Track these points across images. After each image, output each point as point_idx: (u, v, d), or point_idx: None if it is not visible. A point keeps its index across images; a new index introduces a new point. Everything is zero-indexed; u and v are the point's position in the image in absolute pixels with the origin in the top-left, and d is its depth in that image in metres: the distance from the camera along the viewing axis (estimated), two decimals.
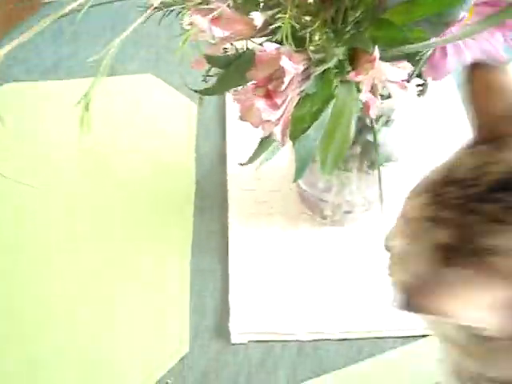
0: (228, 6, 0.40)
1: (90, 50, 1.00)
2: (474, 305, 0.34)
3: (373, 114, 0.41)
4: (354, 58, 0.43)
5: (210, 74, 0.48)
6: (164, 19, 0.52)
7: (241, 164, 0.58)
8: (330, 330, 0.72)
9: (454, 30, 0.50)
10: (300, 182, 0.79)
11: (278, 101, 0.40)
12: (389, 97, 0.50)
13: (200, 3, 0.39)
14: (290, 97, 0.41)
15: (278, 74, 0.40)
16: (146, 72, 0.97)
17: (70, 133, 0.89)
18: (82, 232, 0.81)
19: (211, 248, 0.79)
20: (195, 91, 0.51)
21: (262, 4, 0.42)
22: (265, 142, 0.55)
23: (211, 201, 0.83)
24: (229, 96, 0.89)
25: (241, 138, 0.87)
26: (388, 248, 0.46)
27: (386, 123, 0.67)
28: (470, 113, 0.42)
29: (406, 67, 0.40)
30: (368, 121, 0.66)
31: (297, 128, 0.43)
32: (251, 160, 0.56)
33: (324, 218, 0.81)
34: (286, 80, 0.39)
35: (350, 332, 0.72)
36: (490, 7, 0.52)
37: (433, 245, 0.39)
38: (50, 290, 0.76)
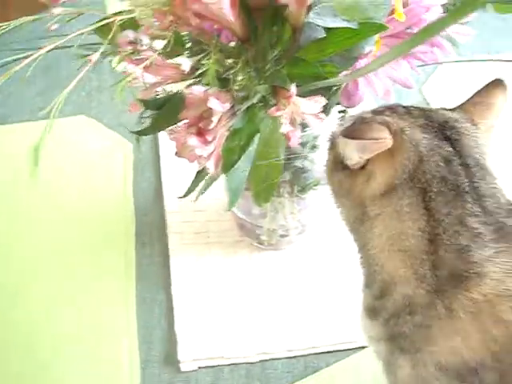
0: (158, 53, 0.43)
1: (23, 94, 1.02)
2: None
3: (294, 143, 0.46)
4: (274, 94, 0.48)
5: (144, 115, 0.51)
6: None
7: (179, 197, 0.61)
8: (275, 350, 0.75)
9: (362, 62, 0.56)
10: (236, 210, 0.83)
11: (209, 137, 0.44)
12: None
13: (132, 53, 0.43)
14: (220, 133, 0.45)
15: (207, 114, 0.44)
16: (79, 114, 0.99)
17: (5, 176, 0.91)
18: (30, 271, 0.82)
19: (155, 280, 0.81)
20: (132, 132, 0.55)
21: (187, 51, 0.46)
22: (200, 176, 0.59)
23: (151, 234, 0.86)
24: (162, 133, 0.93)
25: (176, 172, 0.90)
26: None
27: (312, 149, 0.72)
28: None
29: (319, 101, 0.44)
30: (295, 148, 0.71)
31: (227, 161, 0.47)
32: (188, 193, 0.60)
33: (261, 243, 0.84)
34: (215, 119, 0.43)
35: (295, 350, 0.75)
36: (396, 38, 0.58)
37: None
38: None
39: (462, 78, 0.99)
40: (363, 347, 0.75)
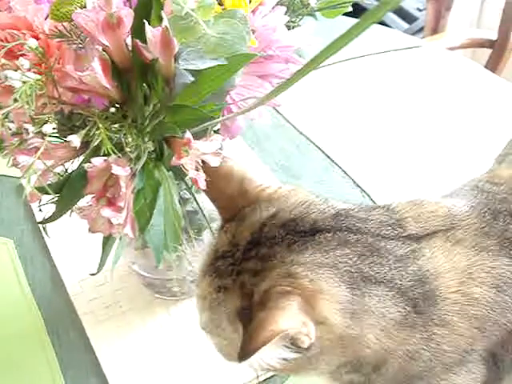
0: (43, 136, 0.43)
1: None
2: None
3: (202, 185, 0.47)
4: (169, 145, 0.48)
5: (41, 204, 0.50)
6: None
7: (91, 274, 0.60)
8: None
9: (232, 93, 0.58)
10: (141, 271, 0.82)
11: (121, 204, 0.44)
12: None
13: (20, 144, 0.42)
14: (128, 196, 0.45)
15: (111, 182, 0.44)
16: None
17: None
18: None
19: (82, 366, 0.78)
20: (39, 223, 0.53)
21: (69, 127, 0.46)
22: (107, 246, 0.58)
23: (63, 322, 0.83)
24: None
25: (68, 254, 0.88)
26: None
27: (198, 191, 0.73)
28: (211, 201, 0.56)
29: (215, 139, 0.46)
30: (182, 194, 0.72)
31: (141, 221, 0.47)
32: (101, 266, 0.59)
33: (174, 295, 0.84)
34: (123, 183, 0.43)
35: None
36: (255, 64, 0.60)
37: (230, 311, 0.49)
38: None
39: (311, 85, 1.04)
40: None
